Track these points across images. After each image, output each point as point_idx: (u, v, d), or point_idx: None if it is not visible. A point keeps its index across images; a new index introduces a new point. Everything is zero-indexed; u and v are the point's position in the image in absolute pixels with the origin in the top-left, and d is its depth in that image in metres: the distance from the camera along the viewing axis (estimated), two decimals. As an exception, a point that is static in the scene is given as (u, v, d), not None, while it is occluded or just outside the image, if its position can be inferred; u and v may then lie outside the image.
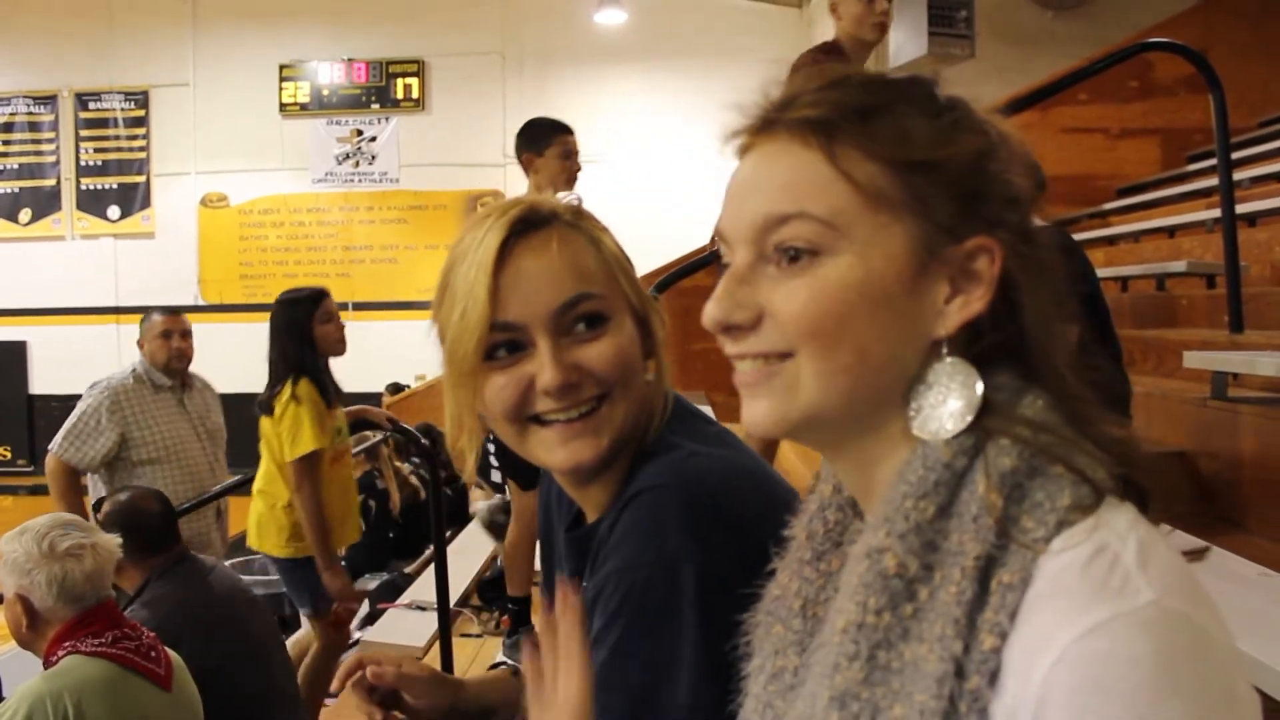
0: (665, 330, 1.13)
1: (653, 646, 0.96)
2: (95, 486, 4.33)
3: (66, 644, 2.28)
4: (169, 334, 4.44)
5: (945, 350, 0.71)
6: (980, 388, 0.69)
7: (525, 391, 1.03)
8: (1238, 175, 5.07)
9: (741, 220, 0.74)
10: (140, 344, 4.46)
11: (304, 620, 4.44)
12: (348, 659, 1.18)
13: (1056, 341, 0.72)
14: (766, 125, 0.75)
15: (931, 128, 0.71)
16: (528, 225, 1.05)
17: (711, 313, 0.74)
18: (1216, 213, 4.53)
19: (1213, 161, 4.82)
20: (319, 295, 4.08)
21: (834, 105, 0.72)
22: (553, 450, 1.05)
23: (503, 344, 1.04)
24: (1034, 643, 0.61)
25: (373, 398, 10.24)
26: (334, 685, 1.16)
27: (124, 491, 3.10)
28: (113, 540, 2.40)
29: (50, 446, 4.21)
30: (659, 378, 1.11)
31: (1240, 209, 4.57)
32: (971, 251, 0.70)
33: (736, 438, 1.13)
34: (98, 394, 4.26)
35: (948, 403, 0.70)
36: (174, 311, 4.58)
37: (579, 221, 1.09)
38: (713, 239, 0.80)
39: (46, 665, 2.30)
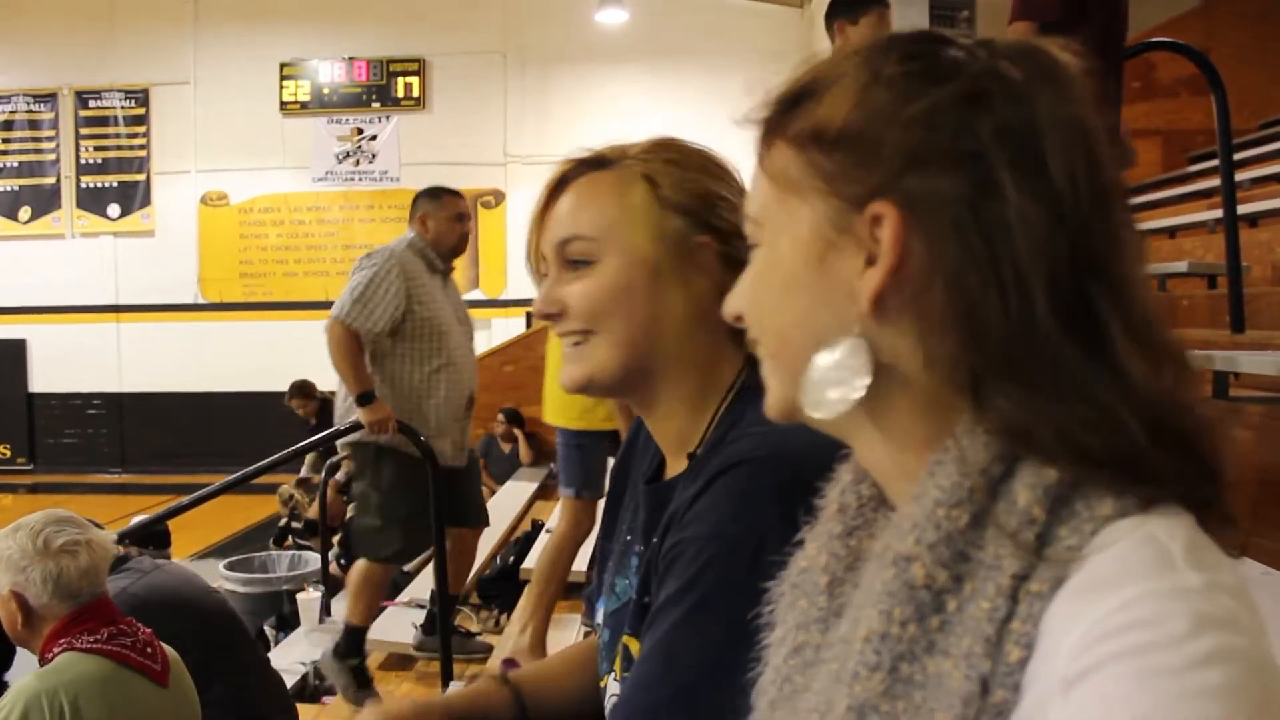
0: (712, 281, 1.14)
1: (727, 620, 0.95)
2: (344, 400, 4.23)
3: (62, 641, 2.27)
4: (461, 217, 4.35)
5: (858, 329, 0.67)
6: (864, 374, 0.66)
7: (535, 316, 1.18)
8: (1239, 176, 5.07)
9: None
10: (422, 220, 4.32)
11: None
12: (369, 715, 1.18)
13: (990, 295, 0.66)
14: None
15: (821, 99, 0.68)
16: (587, 165, 1.16)
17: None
18: (1218, 213, 4.53)
19: (1214, 162, 4.81)
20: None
21: (773, 104, 0.72)
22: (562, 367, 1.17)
23: (544, 273, 1.17)
24: (1063, 626, 0.57)
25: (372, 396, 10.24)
26: None
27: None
28: (108, 536, 2.39)
29: (335, 314, 4.09)
30: (679, 327, 1.12)
31: (1241, 210, 4.57)
32: (872, 217, 0.65)
33: None
34: (384, 260, 4.16)
35: (833, 379, 0.68)
36: (457, 193, 4.46)
37: (635, 164, 1.14)
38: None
39: (42, 662, 2.29)
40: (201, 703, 2.69)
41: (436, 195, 4.38)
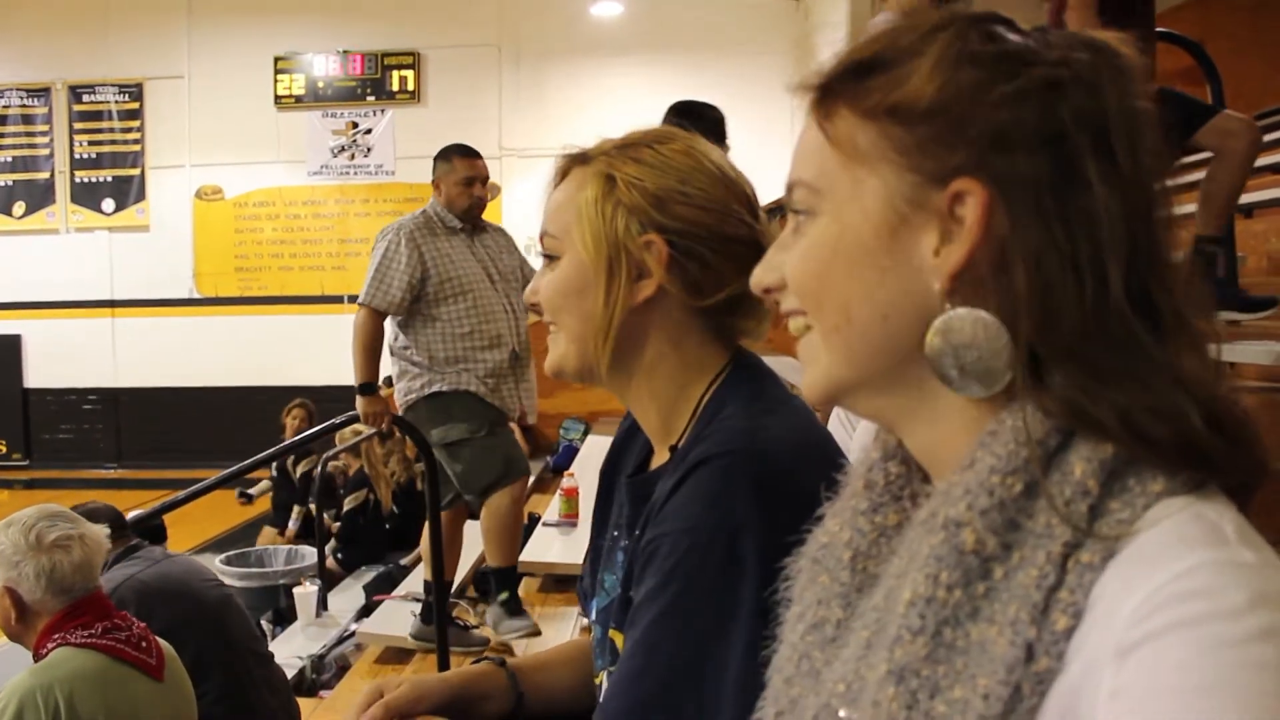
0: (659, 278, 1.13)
1: (706, 613, 0.96)
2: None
3: (56, 636, 2.27)
4: (471, 181, 4.32)
5: (948, 305, 0.66)
6: (1001, 338, 0.64)
7: None
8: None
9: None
10: (436, 185, 4.35)
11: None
12: (362, 692, 1.17)
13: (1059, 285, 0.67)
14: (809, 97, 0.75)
15: (917, 70, 0.67)
16: (574, 160, 1.19)
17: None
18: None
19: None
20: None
21: (833, 69, 0.71)
22: None
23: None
24: (1116, 595, 0.57)
25: (368, 391, 10.23)
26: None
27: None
28: (101, 531, 2.39)
29: (359, 300, 4.19)
30: (616, 324, 1.13)
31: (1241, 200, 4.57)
32: (955, 194, 0.66)
33: (798, 398, 1.14)
34: (391, 234, 4.20)
35: (970, 361, 0.65)
36: (475, 155, 4.42)
37: (597, 161, 1.16)
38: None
39: (36, 658, 2.29)
40: (203, 694, 2.70)
41: (447, 158, 4.36)
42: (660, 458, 1.18)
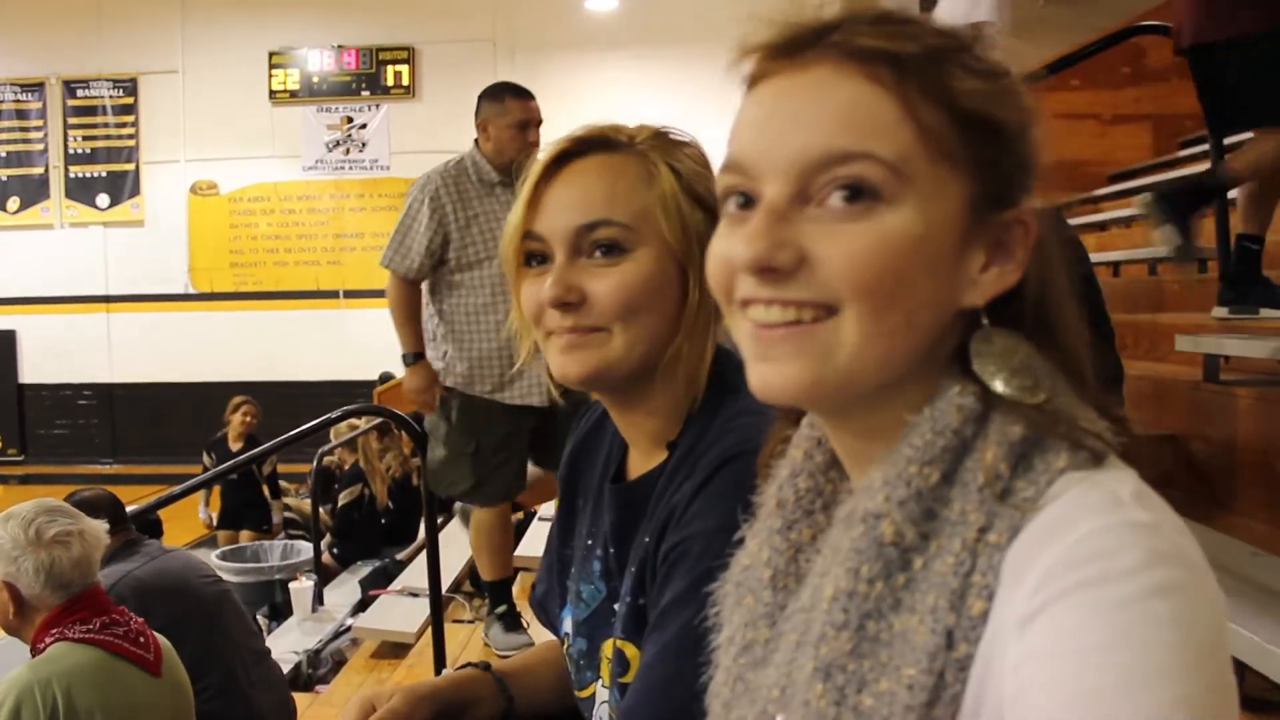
0: None
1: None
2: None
3: (54, 631, 2.27)
4: (525, 126, 3.81)
5: (985, 320, 0.68)
6: (1032, 359, 0.67)
7: (540, 304, 1.07)
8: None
9: (782, 153, 0.66)
10: (483, 125, 3.86)
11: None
12: (352, 704, 1.16)
13: (1070, 314, 0.71)
14: (808, 47, 0.68)
15: (991, 86, 0.67)
16: (587, 146, 1.09)
17: (748, 252, 0.66)
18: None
19: (1204, 147, 4.80)
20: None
21: (905, 40, 0.66)
22: (553, 359, 1.09)
23: (535, 254, 1.08)
24: (1019, 569, 0.59)
25: (366, 385, 10.23)
26: None
27: (72, 496, 3.08)
28: (100, 526, 2.39)
29: (381, 262, 3.83)
30: (704, 326, 1.09)
31: (1231, 194, 4.57)
32: (1010, 221, 0.68)
33: None
34: (417, 190, 3.82)
35: (1002, 375, 0.67)
36: (529, 95, 3.89)
37: (650, 152, 1.09)
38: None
39: (34, 653, 2.29)
40: (200, 689, 2.70)
41: (498, 97, 3.88)
42: (645, 461, 1.14)
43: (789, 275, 0.65)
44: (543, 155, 1.09)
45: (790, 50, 0.69)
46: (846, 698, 0.62)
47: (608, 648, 1.12)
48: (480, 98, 3.93)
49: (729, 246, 0.69)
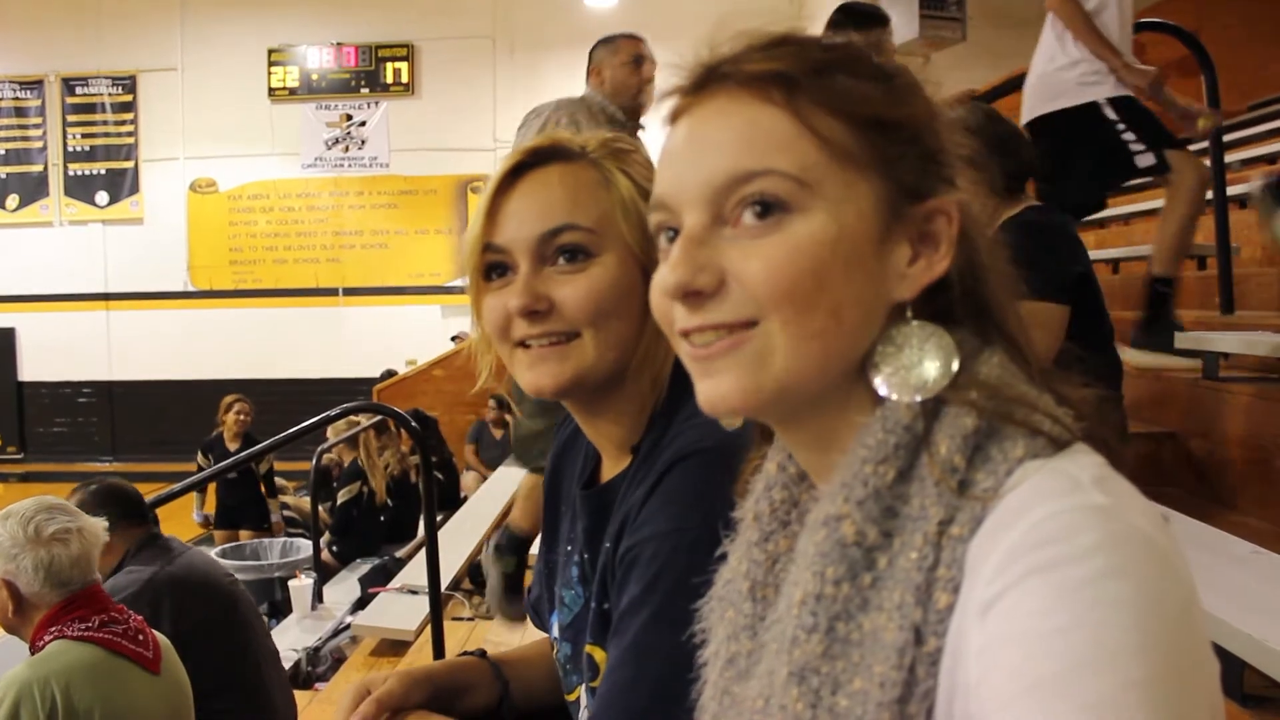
0: None
1: (695, 615, 0.92)
2: None
3: (53, 629, 2.26)
4: (639, 60, 3.68)
5: (910, 313, 0.69)
6: (954, 349, 0.68)
7: (507, 315, 1.06)
8: (1228, 158, 5.07)
9: (693, 181, 0.69)
10: (596, 72, 3.75)
11: None
12: (349, 689, 1.16)
13: (1011, 301, 0.72)
14: (710, 81, 0.71)
15: (885, 89, 0.70)
16: (541, 157, 1.09)
17: (671, 278, 0.69)
18: (1208, 195, 4.53)
19: (1204, 145, 4.80)
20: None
21: (792, 60, 0.69)
22: (523, 372, 1.07)
23: (496, 266, 1.07)
24: (980, 559, 0.59)
25: (365, 382, 10.24)
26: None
27: (92, 482, 3.07)
28: (99, 524, 2.38)
29: None
30: (659, 328, 1.09)
31: (1231, 191, 4.58)
32: (930, 212, 0.69)
33: None
34: (550, 111, 3.65)
35: (923, 365, 0.67)
36: (638, 36, 3.76)
37: (603, 158, 1.09)
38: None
39: (33, 650, 2.28)
40: (214, 687, 2.70)
41: (609, 40, 3.76)
42: (614, 466, 1.14)
43: (712, 297, 0.68)
44: (499, 170, 1.08)
45: (696, 87, 0.72)
46: (821, 700, 0.63)
47: (588, 652, 1.12)
48: (590, 52, 3.86)
49: (661, 279, 0.71)
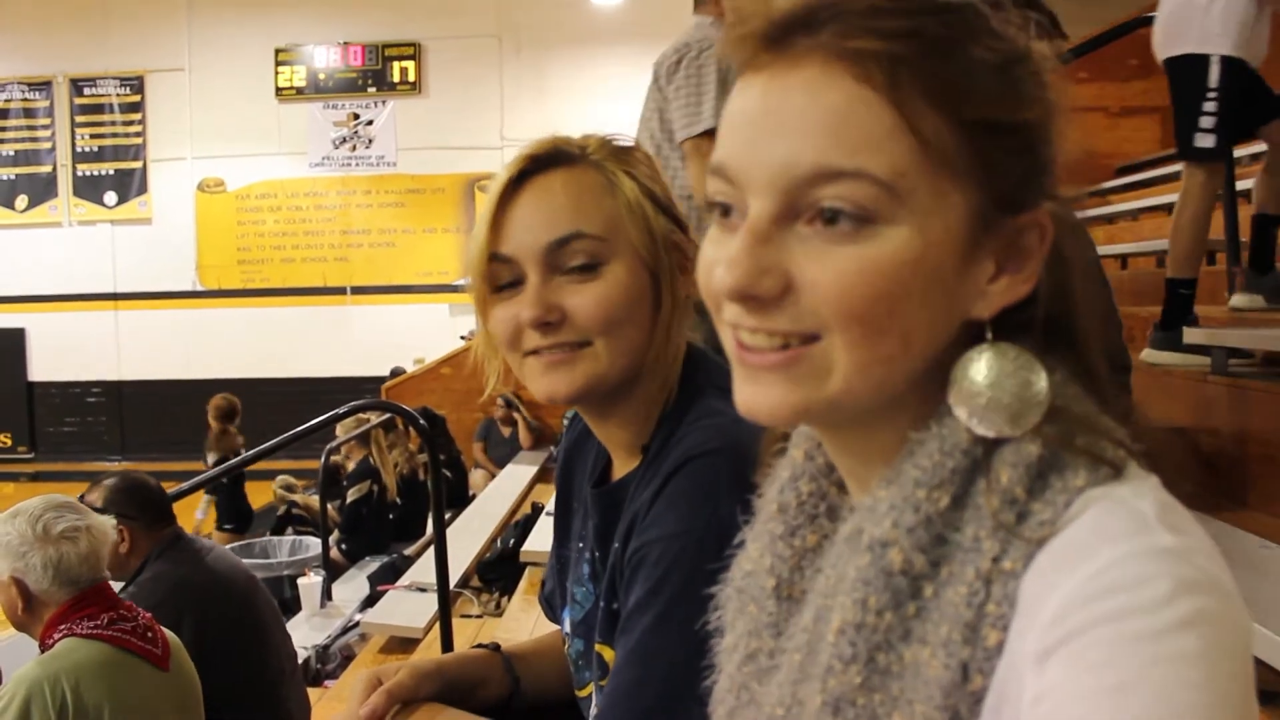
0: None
1: (701, 616, 0.91)
2: None
3: (62, 627, 2.27)
4: None
5: (990, 334, 0.62)
6: (1044, 380, 0.61)
7: (518, 325, 1.05)
8: (1237, 152, 5.05)
9: (767, 161, 0.60)
10: (714, 1, 3.65)
11: None
12: (360, 680, 1.16)
13: (1088, 318, 0.66)
14: (799, 37, 0.61)
15: (1003, 81, 0.60)
16: (542, 163, 1.07)
17: (729, 278, 0.61)
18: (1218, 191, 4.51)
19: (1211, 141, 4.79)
20: None
21: (900, 35, 0.59)
22: (535, 380, 1.07)
23: (505, 276, 1.06)
24: (1035, 600, 0.55)
25: (373, 381, 10.25)
26: (364, 712, 1.13)
27: (110, 478, 3.07)
28: (107, 522, 2.39)
29: (681, 139, 3.46)
30: (676, 331, 1.09)
31: (1239, 185, 4.56)
32: (1024, 226, 0.62)
33: None
34: (694, 54, 3.51)
35: (1013, 397, 0.60)
36: None
37: (605, 161, 1.08)
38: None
39: (43, 648, 2.29)
40: (232, 696, 2.70)
41: None
42: (625, 464, 1.14)
43: (773, 303, 0.61)
44: (501, 178, 1.06)
45: (778, 41, 0.62)
46: None
47: (597, 650, 1.13)
48: None
49: (714, 260, 0.64)
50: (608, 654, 1.07)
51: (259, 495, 8.32)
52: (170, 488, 3.66)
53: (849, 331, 0.59)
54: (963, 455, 0.61)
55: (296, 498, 7.53)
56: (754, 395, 0.64)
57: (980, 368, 0.61)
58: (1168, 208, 6.01)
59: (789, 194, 0.60)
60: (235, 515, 7.59)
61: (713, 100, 3.40)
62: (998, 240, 0.61)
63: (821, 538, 0.72)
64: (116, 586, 2.51)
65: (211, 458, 7.71)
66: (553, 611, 1.33)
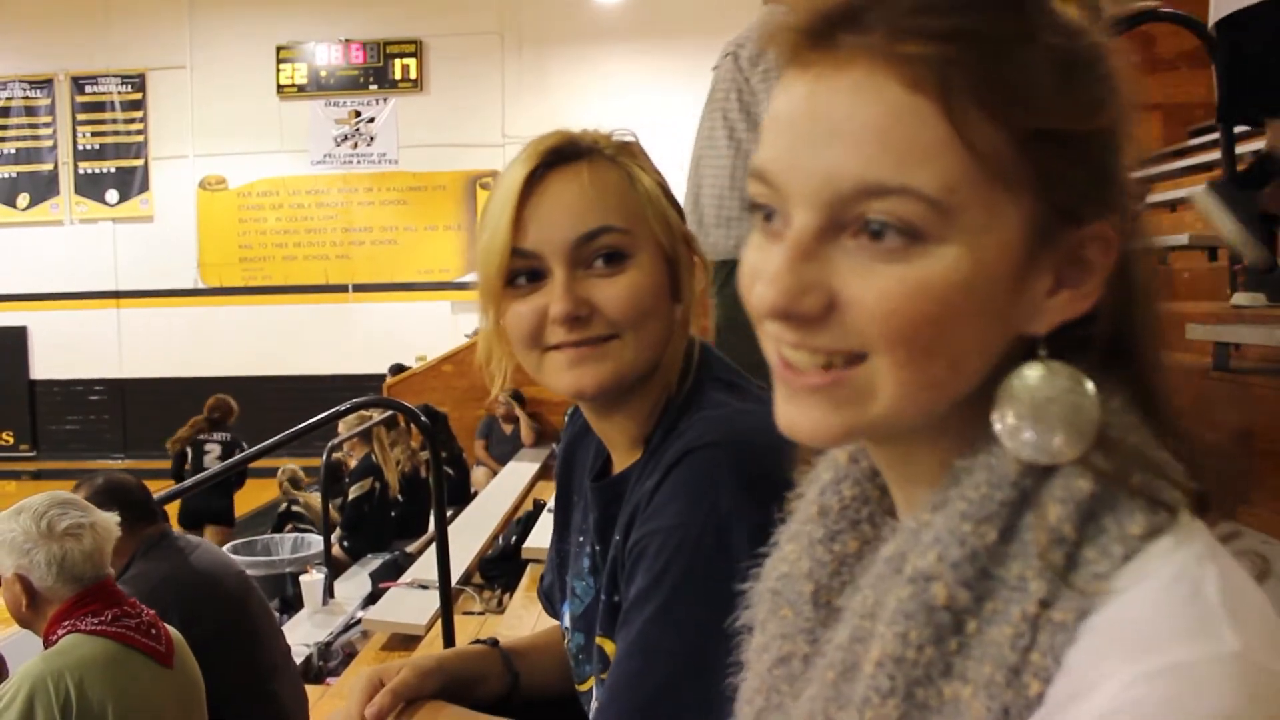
0: (706, 278, 1.12)
1: (701, 609, 0.94)
2: None
3: (66, 623, 2.27)
4: None
5: (1044, 351, 0.59)
6: (1096, 404, 0.58)
7: (540, 321, 1.05)
8: (1239, 149, 5.04)
9: (810, 170, 0.57)
10: None
11: None
12: (361, 680, 1.16)
13: (1153, 342, 0.62)
14: (845, 34, 0.57)
15: (1067, 85, 0.56)
16: (561, 156, 1.06)
17: (769, 297, 0.58)
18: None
19: (1215, 136, 4.78)
20: None
21: (954, 36, 0.54)
22: (560, 374, 1.06)
23: (523, 271, 1.05)
24: (1083, 677, 0.52)
25: (375, 378, 10.25)
26: (370, 712, 1.12)
27: (97, 477, 3.07)
28: (111, 519, 2.39)
29: None
30: (684, 324, 1.10)
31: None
32: (1086, 238, 0.58)
33: (769, 390, 1.12)
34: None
35: (1061, 425, 0.57)
36: None
37: (619, 156, 1.08)
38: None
39: (46, 645, 2.29)
40: (224, 695, 2.70)
41: None
42: (625, 459, 1.14)
43: (816, 321, 0.58)
44: (518, 172, 1.04)
45: (824, 37, 0.58)
46: None
47: (598, 644, 1.13)
48: None
49: (756, 271, 0.60)
50: (609, 647, 1.08)
51: (262, 492, 8.33)
52: (172, 485, 3.67)
53: (895, 353, 0.56)
54: (1011, 487, 0.58)
55: (299, 494, 7.53)
56: (795, 416, 0.62)
57: (1028, 388, 0.58)
58: (1170, 204, 6.01)
59: (832, 207, 0.56)
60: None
61: None
62: (1057, 253, 0.58)
63: (862, 544, 0.70)
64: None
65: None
66: (552, 606, 1.33)
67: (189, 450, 7.74)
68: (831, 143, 0.56)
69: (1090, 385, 0.58)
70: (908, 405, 0.58)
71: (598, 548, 1.16)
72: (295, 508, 7.44)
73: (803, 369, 0.60)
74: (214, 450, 7.73)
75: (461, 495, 7.41)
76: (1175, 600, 0.52)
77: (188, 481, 4.12)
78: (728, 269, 3.12)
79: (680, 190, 1.14)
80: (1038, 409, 0.57)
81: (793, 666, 0.70)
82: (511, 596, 4.70)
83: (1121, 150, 0.58)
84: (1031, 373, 0.58)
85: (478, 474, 8.31)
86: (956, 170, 0.54)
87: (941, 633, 0.58)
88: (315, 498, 7.10)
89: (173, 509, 4.34)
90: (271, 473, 7.76)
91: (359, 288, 12.73)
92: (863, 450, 0.72)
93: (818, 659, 0.67)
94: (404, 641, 4.55)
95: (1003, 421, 0.58)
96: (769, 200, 0.60)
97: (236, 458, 4.50)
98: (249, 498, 8.71)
